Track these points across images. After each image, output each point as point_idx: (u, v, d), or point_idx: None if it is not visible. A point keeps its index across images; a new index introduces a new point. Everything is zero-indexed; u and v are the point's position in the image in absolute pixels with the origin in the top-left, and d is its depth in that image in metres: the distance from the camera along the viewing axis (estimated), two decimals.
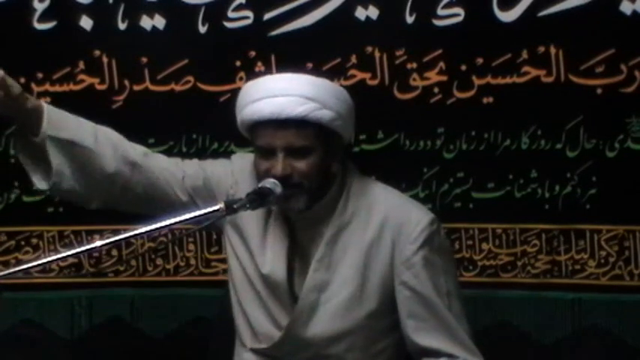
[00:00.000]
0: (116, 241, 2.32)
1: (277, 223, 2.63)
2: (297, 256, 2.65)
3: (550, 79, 3.18)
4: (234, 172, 2.70)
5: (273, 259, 2.64)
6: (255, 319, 2.65)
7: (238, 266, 2.69)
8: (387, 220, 2.61)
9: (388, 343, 2.65)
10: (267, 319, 2.64)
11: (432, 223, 2.59)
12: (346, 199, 2.64)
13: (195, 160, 2.74)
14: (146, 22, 3.27)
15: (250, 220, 2.65)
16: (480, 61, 3.20)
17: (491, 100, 3.21)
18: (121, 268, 3.33)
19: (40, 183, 2.56)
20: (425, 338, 2.56)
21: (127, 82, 3.29)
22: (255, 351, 2.67)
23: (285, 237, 2.64)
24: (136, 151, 2.66)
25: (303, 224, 2.64)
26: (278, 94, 2.57)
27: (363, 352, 2.63)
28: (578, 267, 3.23)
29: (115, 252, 3.32)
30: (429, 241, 2.58)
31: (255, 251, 2.66)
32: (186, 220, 2.39)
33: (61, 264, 3.30)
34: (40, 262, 2.32)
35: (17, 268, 2.30)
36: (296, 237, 2.65)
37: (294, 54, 3.23)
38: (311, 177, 2.57)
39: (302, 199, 2.57)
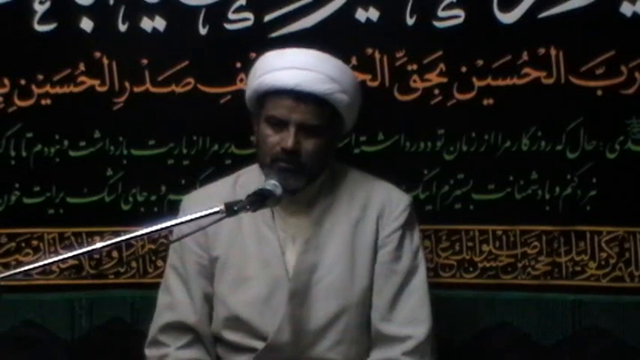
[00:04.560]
0: (117, 242, 2.33)
1: (257, 215, 2.59)
2: (287, 239, 2.67)
3: (550, 81, 3.18)
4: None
5: (267, 250, 2.66)
6: (258, 319, 2.66)
7: (229, 281, 2.70)
8: (369, 199, 2.72)
9: None
10: (270, 313, 2.65)
11: (410, 204, 2.78)
12: (331, 183, 2.69)
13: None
14: (146, 24, 3.27)
15: (225, 231, 2.65)
16: (480, 62, 3.20)
17: (491, 101, 3.21)
18: (122, 270, 3.33)
19: None
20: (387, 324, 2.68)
21: (127, 84, 3.29)
22: None
23: (271, 223, 2.65)
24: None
25: (293, 208, 2.66)
26: (304, 67, 2.60)
27: (359, 330, 2.66)
28: (578, 268, 3.23)
29: (115, 253, 3.31)
30: (409, 220, 2.74)
31: (244, 252, 2.68)
32: (187, 221, 2.40)
33: (62, 265, 3.29)
34: (40, 263, 2.32)
35: (18, 270, 2.30)
36: (284, 221, 2.66)
37: None
38: (314, 158, 2.61)
39: (301, 178, 2.62)
